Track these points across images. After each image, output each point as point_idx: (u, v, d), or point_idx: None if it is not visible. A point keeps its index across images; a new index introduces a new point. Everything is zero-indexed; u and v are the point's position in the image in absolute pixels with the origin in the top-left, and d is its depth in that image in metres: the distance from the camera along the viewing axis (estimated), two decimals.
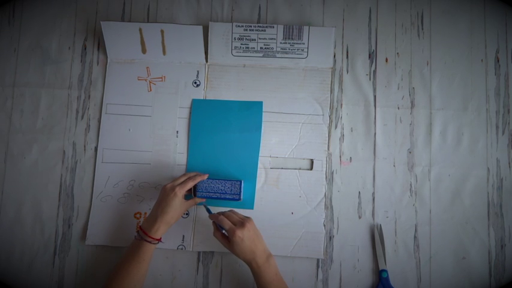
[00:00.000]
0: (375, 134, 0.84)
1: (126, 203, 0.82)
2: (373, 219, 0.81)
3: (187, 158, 0.83)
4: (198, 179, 0.76)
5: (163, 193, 0.74)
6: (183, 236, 0.81)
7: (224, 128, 0.83)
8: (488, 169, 0.82)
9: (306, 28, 0.82)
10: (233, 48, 0.84)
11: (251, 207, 0.81)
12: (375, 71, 0.85)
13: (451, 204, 0.81)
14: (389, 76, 0.85)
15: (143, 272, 0.72)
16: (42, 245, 0.82)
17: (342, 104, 0.84)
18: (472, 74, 0.85)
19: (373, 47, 0.86)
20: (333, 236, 0.81)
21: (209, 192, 0.77)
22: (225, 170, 0.82)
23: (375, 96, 0.84)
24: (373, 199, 0.82)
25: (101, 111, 0.85)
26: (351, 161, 0.83)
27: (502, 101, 0.84)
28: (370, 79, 0.85)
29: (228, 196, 0.77)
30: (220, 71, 0.85)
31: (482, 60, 0.85)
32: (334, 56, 0.85)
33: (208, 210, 0.78)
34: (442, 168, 0.82)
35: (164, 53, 0.85)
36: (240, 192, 0.77)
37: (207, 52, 0.85)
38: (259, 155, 0.83)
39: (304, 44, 0.83)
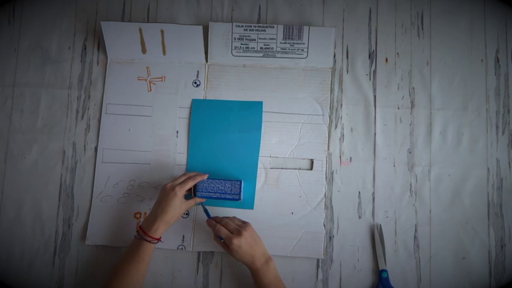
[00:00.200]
0: (375, 134, 0.84)
1: (126, 203, 0.82)
2: (373, 219, 0.81)
3: (187, 158, 0.83)
4: (198, 179, 0.77)
5: (163, 193, 0.74)
6: (183, 236, 0.81)
7: (224, 128, 0.83)
8: (488, 169, 0.82)
9: (306, 28, 0.82)
10: (233, 48, 0.84)
11: (251, 207, 0.81)
12: (374, 71, 0.85)
13: (451, 204, 0.81)
14: (389, 76, 0.85)
15: (143, 272, 0.72)
16: (42, 245, 0.82)
17: (342, 104, 0.84)
18: (472, 74, 0.85)
19: (373, 47, 0.86)
20: (333, 236, 0.81)
21: (209, 192, 0.77)
22: (225, 170, 0.82)
23: (375, 96, 0.84)
24: (373, 199, 0.82)
25: (101, 111, 0.85)
26: (351, 161, 0.83)
27: (502, 101, 0.84)
28: (370, 79, 0.85)
29: (228, 196, 0.77)
30: (220, 71, 0.85)
31: (482, 60, 0.85)
32: (334, 56, 0.85)
33: (207, 213, 0.77)
34: (442, 168, 0.82)
35: (164, 53, 0.85)
36: (240, 192, 0.77)
37: (207, 52, 0.85)
38: (259, 155, 0.83)
39: (304, 44, 0.83)
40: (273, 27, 0.83)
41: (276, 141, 0.83)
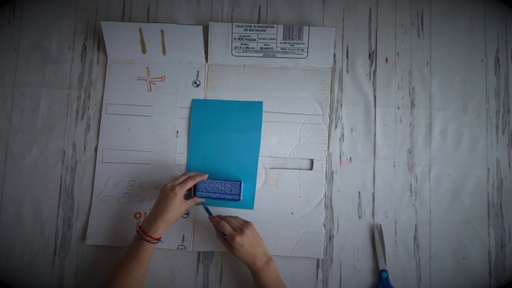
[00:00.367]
0: (375, 134, 0.84)
1: (126, 203, 0.82)
2: (373, 219, 0.81)
3: (187, 158, 0.83)
4: (198, 179, 0.77)
5: (163, 193, 0.74)
6: (183, 236, 0.81)
7: (224, 128, 0.83)
8: (488, 169, 0.82)
9: (306, 28, 0.82)
10: (233, 48, 0.84)
11: (251, 207, 0.81)
12: (374, 71, 0.85)
13: (451, 204, 0.81)
14: (389, 76, 0.85)
15: (143, 272, 0.72)
16: (42, 245, 0.82)
17: (342, 104, 0.84)
18: (472, 74, 0.85)
19: (373, 47, 0.86)
20: (333, 236, 0.81)
21: (209, 192, 0.77)
22: (225, 170, 0.82)
23: (375, 96, 0.84)
24: (373, 199, 0.82)
25: (101, 111, 0.85)
26: (351, 161, 0.83)
27: (502, 101, 0.84)
28: (370, 79, 0.85)
29: (227, 196, 0.77)
30: (220, 71, 0.85)
31: (482, 60, 0.85)
32: (334, 56, 0.85)
33: (208, 211, 0.78)
34: (442, 168, 0.82)
35: (164, 53, 0.85)
36: (240, 192, 0.77)
37: (207, 52, 0.85)
38: (259, 155, 0.83)
39: (304, 44, 0.83)
40: (273, 27, 0.83)
41: (276, 141, 0.83)
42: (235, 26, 0.83)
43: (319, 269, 0.80)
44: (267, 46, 0.84)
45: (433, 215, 0.81)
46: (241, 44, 0.84)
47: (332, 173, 0.83)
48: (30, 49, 0.87)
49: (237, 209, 0.81)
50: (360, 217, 0.81)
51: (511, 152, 0.83)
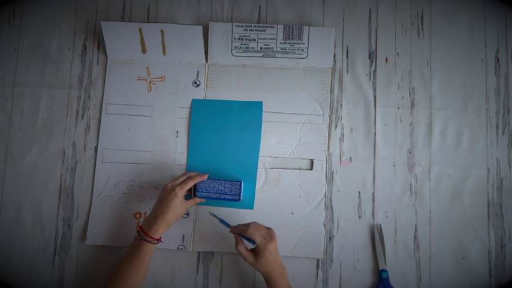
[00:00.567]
0: (375, 134, 0.84)
1: (126, 203, 0.82)
2: (373, 219, 0.81)
3: (187, 158, 0.83)
4: (198, 179, 0.76)
5: (163, 193, 0.74)
6: (183, 236, 0.81)
7: (224, 128, 0.83)
8: (488, 169, 0.82)
9: (306, 28, 0.82)
10: (233, 48, 0.84)
11: (251, 207, 0.81)
12: (375, 71, 0.85)
13: (451, 204, 0.81)
14: (389, 76, 0.85)
15: (143, 272, 0.72)
16: (42, 245, 0.82)
17: (342, 104, 0.84)
18: (472, 74, 0.85)
19: (373, 47, 0.86)
20: (333, 236, 0.81)
21: (209, 192, 0.77)
22: (225, 170, 0.82)
23: (375, 96, 0.84)
24: (373, 199, 0.82)
25: (101, 111, 0.85)
26: (351, 161, 0.83)
27: (502, 101, 0.84)
28: (370, 79, 0.85)
29: (227, 197, 0.77)
30: (220, 71, 0.85)
31: (482, 60, 0.85)
32: (334, 56, 0.85)
33: (225, 223, 0.76)
34: (442, 168, 0.82)
35: (164, 53, 0.85)
36: (240, 193, 0.77)
37: (207, 52, 0.85)
38: (259, 155, 0.83)
39: (304, 44, 0.83)
40: (273, 27, 0.83)
41: (276, 141, 0.83)
42: (235, 26, 0.83)
43: (319, 269, 0.80)
44: (267, 46, 0.84)
45: (433, 215, 0.81)
46: (241, 44, 0.84)
47: (332, 173, 0.83)
48: (30, 49, 0.87)
49: (237, 209, 0.81)
50: (360, 217, 0.81)
51: (511, 152, 0.83)
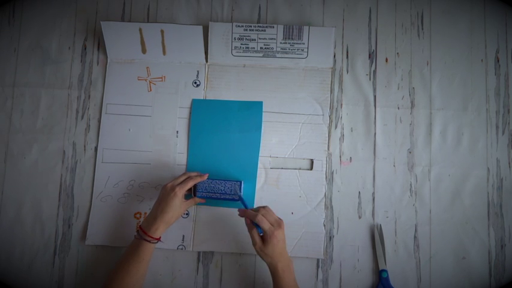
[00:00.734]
0: (375, 134, 0.84)
1: (126, 203, 0.82)
2: (373, 219, 0.81)
3: (187, 158, 0.83)
4: (198, 179, 0.76)
5: (163, 192, 0.74)
6: (183, 236, 0.81)
7: (224, 128, 0.83)
8: (488, 169, 0.82)
9: (306, 28, 0.82)
10: (233, 48, 0.84)
11: (251, 207, 0.81)
12: (374, 71, 0.85)
13: (451, 204, 0.81)
14: (389, 76, 0.85)
15: (143, 272, 0.72)
16: (42, 245, 0.82)
17: (342, 104, 0.84)
18: (472, 74, 0.85)
19: (373, 47, 0.86)
20: (333, 236, 0.81)
21: (209, 192, 0.77)
22: (225, 170, 0.82)
23: (375, 96, 0.84)
24: (373, 199, 0.82)
25: (101, 111, 0.85)
26: (351, 161, 0.83)
27: (502, 101, 0.84)
28: (370, 79, 0.85)
29: (228, 197, 0.77)
30: (220, 71, 0.85)
31: (482, 60, 0.85)
32: (334, 56, 0.85)
33: (245, 204, 0.75)
34: (442, 168, 0.82)
35: (164, 53, 0.85)
36: (240, 193, 0.77)
37: (207, 52, 0.85)
38: (259, 155, 0.83)
39: (304, 44, 0.83)
40: (273, 27, 0.83)
41: (276, 141, 0.83)
42: (235, 26, 0.83)
43: (319, 269, 0.80)
44: (267, 46, 0.84)
45: (433, 215, 0.81)
46: (241, 44, 0.84)
47: (332, 173, 0.83)
48: (30, 49, 0.87)
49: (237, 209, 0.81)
50: (360, 217, 0.81)
51: (511, 152, 0.83)
